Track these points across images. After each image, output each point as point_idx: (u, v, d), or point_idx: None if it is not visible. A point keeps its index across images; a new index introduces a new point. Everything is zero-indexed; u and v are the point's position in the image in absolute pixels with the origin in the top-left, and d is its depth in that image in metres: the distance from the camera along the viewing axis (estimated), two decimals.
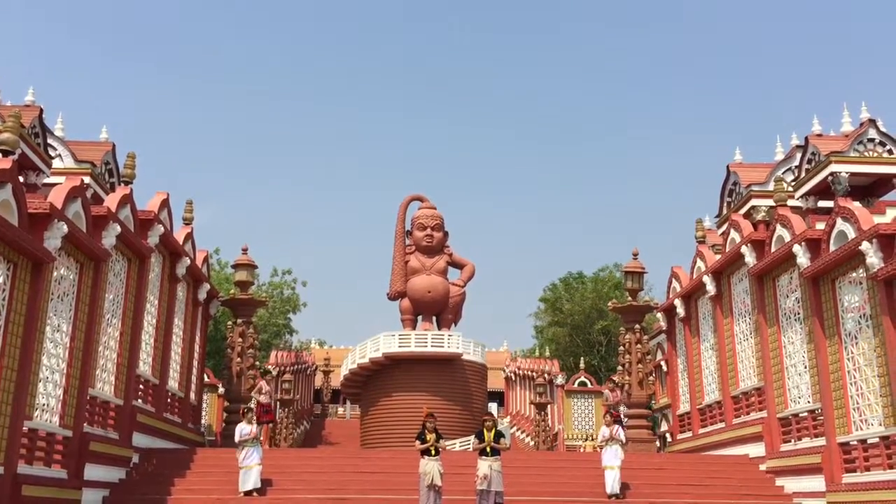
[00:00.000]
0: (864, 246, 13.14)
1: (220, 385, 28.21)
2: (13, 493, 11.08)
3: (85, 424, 13.74)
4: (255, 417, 15.79)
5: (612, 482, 15.06)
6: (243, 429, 15.13)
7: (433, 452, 13.28)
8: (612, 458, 15.29)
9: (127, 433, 15.52)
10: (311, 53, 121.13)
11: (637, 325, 22.34)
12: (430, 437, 13.38)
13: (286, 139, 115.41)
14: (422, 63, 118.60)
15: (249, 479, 14.60)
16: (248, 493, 14.54)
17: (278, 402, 27.09)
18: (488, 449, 13.39)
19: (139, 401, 16.41)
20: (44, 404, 12.55)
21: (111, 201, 15.22)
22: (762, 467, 16.72)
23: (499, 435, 13.66)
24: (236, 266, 22.71)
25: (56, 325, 12.94)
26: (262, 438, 15.83)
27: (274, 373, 32.17)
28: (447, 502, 13.67)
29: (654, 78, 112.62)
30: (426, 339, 28.65)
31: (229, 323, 22.61)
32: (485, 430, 13.63)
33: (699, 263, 20.67)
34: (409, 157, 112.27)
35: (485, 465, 13.22)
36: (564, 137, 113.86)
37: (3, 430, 11.01)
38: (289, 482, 15.37)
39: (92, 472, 13.76)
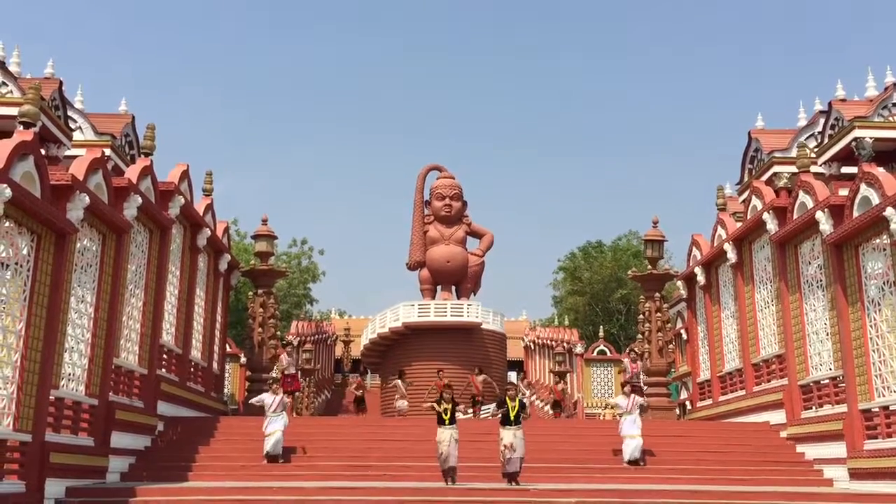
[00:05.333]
0: (889, 212, 12.97)
1: (241, 355, 28.52)
2: (42, 459, 11.29)
3: (110, 393, 13.95)
4: (280, 388, 16.09)
5: (632, 450, 15.29)
6: (265, 398, 15.48)
7: (448, 421, 13.54)
8: (632, 427, 15.47)
9: (152, 402, 15.75)
10: (330, 20, 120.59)
11: (657, 294, 22.27)
12: (446, 406, 13.70)
13: (302, 107, 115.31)
14: (440, 33, 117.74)
15: (269, 444, 14.89)
16: (271, 459, 14.80)
17: (300, 372, 27.37)
18: (511, 417, 13.54)
19: (163, 370, 16.62)
20: (70, 373, 12.74)
21: (132, 173, 15.30)
22: (783, 434, 16.72)
23: (522, 405, 13.85)
24: (256, 237, 22.83)
25: (80, 296, 13.09)
26: (286, 409, 16.05)
27: (295, 343, 32.42)
28: (468, 468, 13.85)
29: (675, 45, 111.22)
30: (445, 309, 28.77)
31: (250, 293, 22.78)
32: (507, 400, 13.76)
33: (720, 231, 20.52)
34: (427, 125, 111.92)
35: (509, 434, 13.42)
36: (584, 106, 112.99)
37: (31, 399, 11.19)
38: (312, 450, 15.57)
39: (118, 439, 14.00)
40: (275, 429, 15.01)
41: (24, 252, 11.28)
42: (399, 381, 24.92)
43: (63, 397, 12.45)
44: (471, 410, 24.58)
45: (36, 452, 11.22)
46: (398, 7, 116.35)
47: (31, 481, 11.05)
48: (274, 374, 22.59)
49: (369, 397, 34.48)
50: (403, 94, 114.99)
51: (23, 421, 11.02)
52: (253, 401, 16.39)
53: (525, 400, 24.49)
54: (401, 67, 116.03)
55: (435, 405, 13.98)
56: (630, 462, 15.25)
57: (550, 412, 28.31)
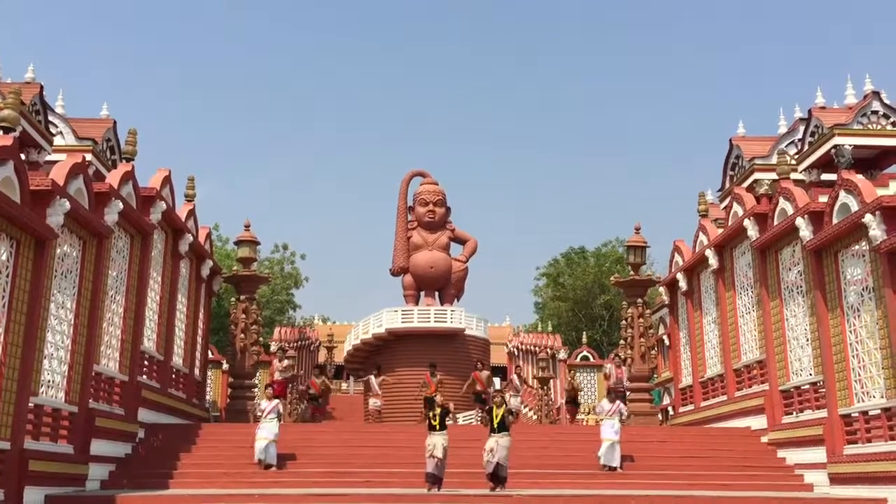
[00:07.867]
0: (867, 218, 13.11)
1: (224, 361, 28.33)
2: (20, 467, 11.20)
3: (90, 400, 13.84)
4: (273, 394, 16.04)
5: (605, 451, 15.37)
6: (261, 404, 15.67)
7: (438, 427, 13.57)
8: (610, 431, 15.56)
9: (132, 409, 15.63)
10: (312, 26, 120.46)
11: (639, 300, 22.35)
12: (436, 411, 13.75)
13: (283, 111, 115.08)
14: (421, 37, 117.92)
15: (258, 450, 14.82)
16: (265, 467, 14.78)
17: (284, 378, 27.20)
18: (495, 425, 13.59)
19: (144, 377, 16.51)
20: (49, 380, 12.63)
21: (113, 178, 15.21)
22: (764, 439, 16.82)
23: (509, 413, 13.90)
24: (239, 242, 22.71)
25: (60, 302, 12.99)
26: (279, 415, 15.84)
27: (274, 348, 32.23)
28: (453, 474, 13.84)
29: (657, 50, 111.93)
30: (429, 315, 28.71)
31: (232, 299, 22.66)
32: (494, 407, 13.81)
33: (701, 237, 20.66)
34: (410, 130, 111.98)
35: (492, 440, 13.51)
36: (567, 110, 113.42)
37: (9, 406, 11.09)
38: (295, 456, 15.50)
39: (98, 447, 13.89)
40: (264, 434, 14.92)
41: (4, 258, 11.20)
42: (371, 378, 24.70)
43: (42, 404, 12.34)
44: (481, 414, 23.64)
45: (15, 460, 11.12)
46: (384, 8, 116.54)
47: (9, 489, 10.96)
48: (257, 381, 22.48)
49: (354, 403, 34.37)
50: (383, 95, 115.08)
51: (1, 428, 10.92)
52: (257, 411, 16.38)
53: (515, 403, 24.20)
54: (381, 68, 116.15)
55: (425, 410, 14.07)
56: (608, 467, 15.28)
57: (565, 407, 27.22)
